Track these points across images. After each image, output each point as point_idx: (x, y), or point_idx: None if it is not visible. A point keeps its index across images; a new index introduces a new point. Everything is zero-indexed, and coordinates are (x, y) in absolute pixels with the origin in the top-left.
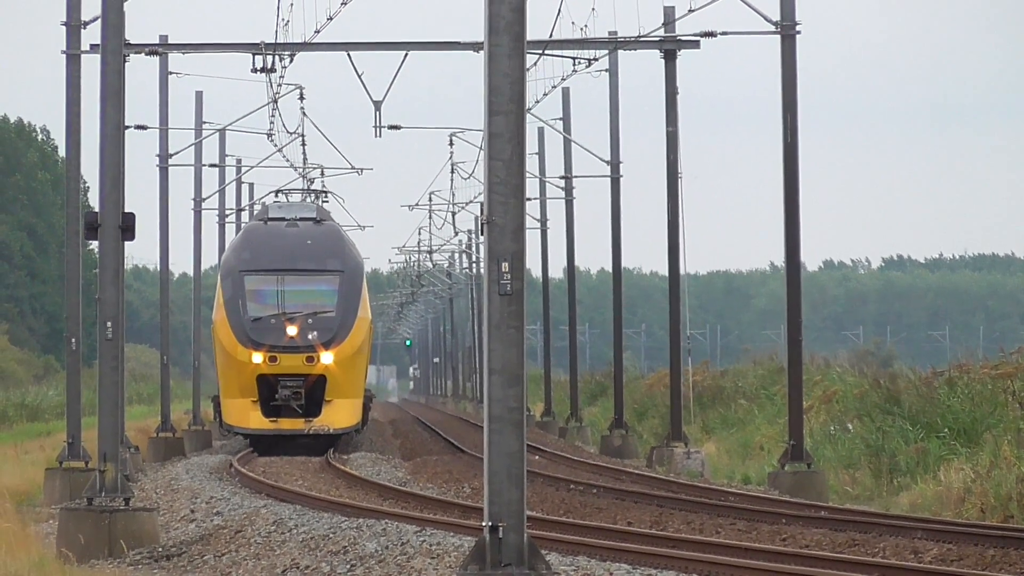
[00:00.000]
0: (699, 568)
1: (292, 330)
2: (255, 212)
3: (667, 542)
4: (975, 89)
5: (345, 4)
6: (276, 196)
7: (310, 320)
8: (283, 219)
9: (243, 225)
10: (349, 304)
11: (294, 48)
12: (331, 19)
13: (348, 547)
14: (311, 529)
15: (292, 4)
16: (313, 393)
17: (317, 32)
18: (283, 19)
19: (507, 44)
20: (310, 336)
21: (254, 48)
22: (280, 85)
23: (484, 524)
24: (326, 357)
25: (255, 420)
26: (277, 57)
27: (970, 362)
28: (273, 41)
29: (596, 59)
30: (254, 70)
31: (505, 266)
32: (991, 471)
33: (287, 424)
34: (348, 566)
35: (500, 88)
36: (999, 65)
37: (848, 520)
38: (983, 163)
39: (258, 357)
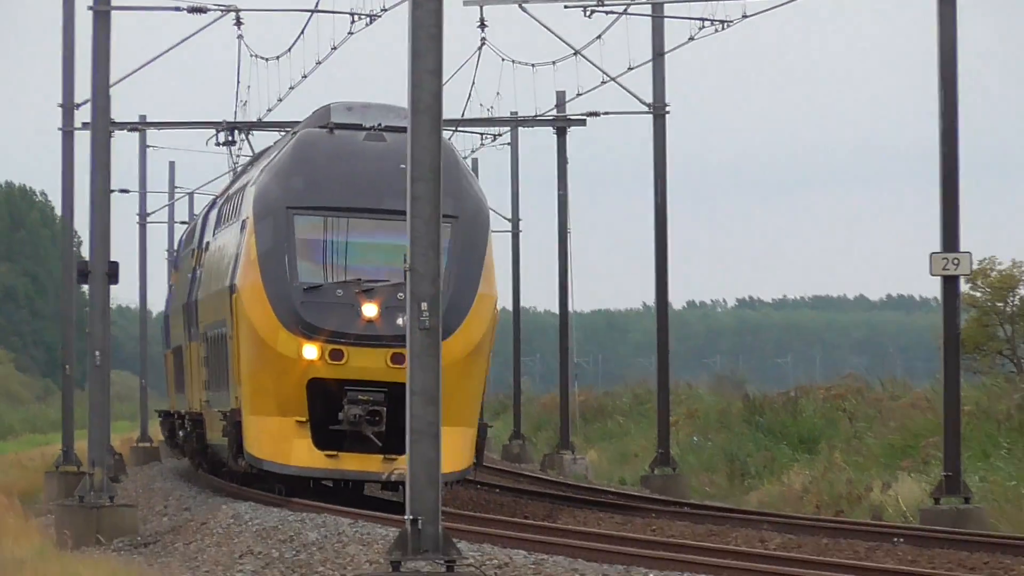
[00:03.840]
0: (584, 554)
1: (370, 309)
2: (307, 118)
3: (558, 532)
4: (814, 161)
5: (292, 89)
6: None
7: (401, 295)
8: (359, 126)
9: (289, 136)
10: (466, 271)
11: (249, 127)
12: (280, 101)
13: (294, 536)
14: (263, 522)
15: (248, 88)
16: (400, 415)
17: (269, 111)
18: (242, 101)
19: (427, 123)
20: (400, 321)
21: (217, 126)
22: (239, 156)
23: (407, 518)
24: None
25: (301, 454)
26: (237, 132)
27: (809, 385)
28: (233, 120)
29: (500, 134)
30: (218, 144)
31: (424, 306)
32: (826, 474)
33: (354, 463)
34: (294, 551)
35: (421, 159)
36: (831, 141)
37: (706, 514)
38: (822, 220)
39: (312, 351)
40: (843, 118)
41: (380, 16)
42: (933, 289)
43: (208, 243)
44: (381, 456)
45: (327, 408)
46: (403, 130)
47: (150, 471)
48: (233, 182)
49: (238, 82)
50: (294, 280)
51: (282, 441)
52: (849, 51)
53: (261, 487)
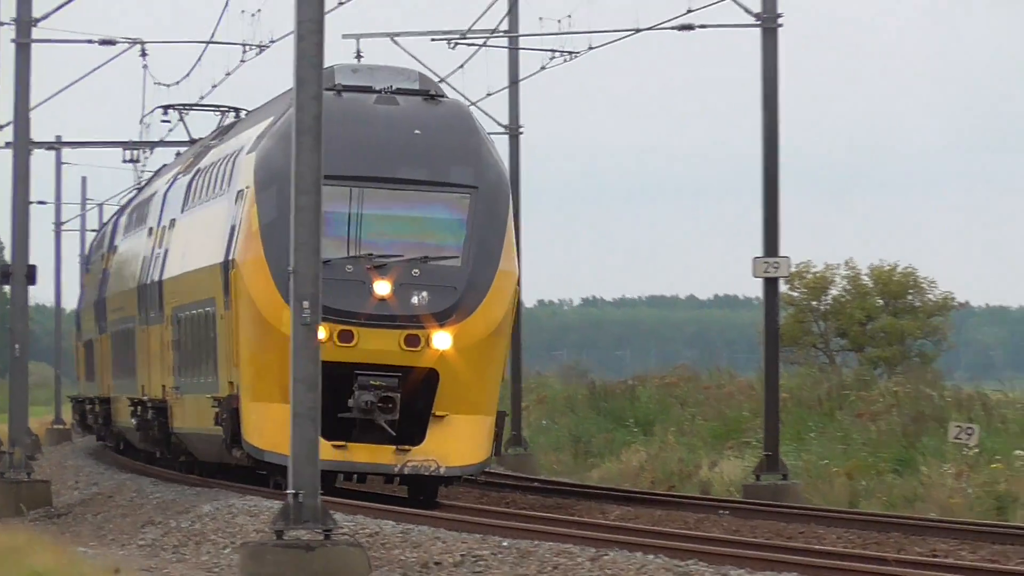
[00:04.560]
0: (446, 524)
1: (383, 287)
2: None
3: (421, 505)
4: (651, 173)
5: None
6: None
7: (416, 272)
8: (369, 89)
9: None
10: (485, 246)
11: (151, 145)
12: (181, 120)
13: (190, 508)
14: (163, 495)
15: (152, 111)
16: (414, 402)
17: (170, 131)
18: (145, 124)
19: (309, 142)
20: (415, 300)
21: (124, 144)
22: (143, 171)
23: (289, 492)
24: (441, 339)
25: None
26: (140, 151)
27: (646, 374)
28: (138, 140)
29: None
30: (124, 160)
31: (306, 304)
32: (660, 453)
33: (363, 454)
34: (190, 522)
35: (304, 175)
36: (667, 156)
37: (554, 489)
38: (658, 227)
39: (319, 332)
40: (679, 136)
41: (268, 47)
42: (756, 289)
43: (117, 247)
44: (393, 447)
45: (335, 394)
46: (418, 93)
47: (63, 450)
48: (143, 188)
49: (143, 105)
50: None
51: (286, 430)
52: (686, 81)
53: (242, 479)
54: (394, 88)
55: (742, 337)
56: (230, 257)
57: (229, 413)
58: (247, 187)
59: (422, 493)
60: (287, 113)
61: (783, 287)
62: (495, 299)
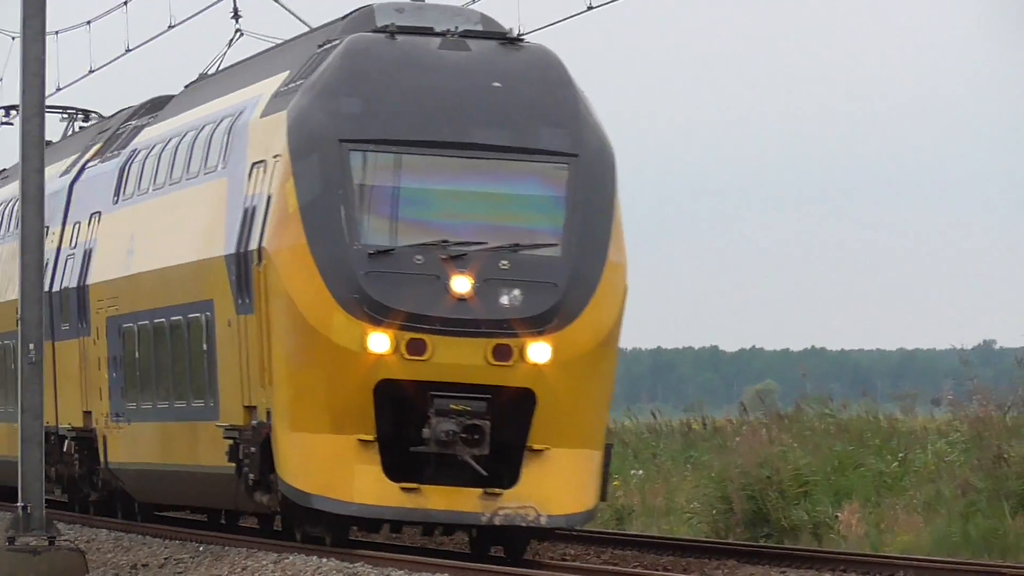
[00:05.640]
0: (147, 532)
1: (462, 284)
2: (333, 24)
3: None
4: None
5: None
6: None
7: (505, 264)
8: (430, 31)
9: (326, 45)
10: (590, 231)
11: None
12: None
13: None
14: None
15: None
16: (503, 432)
17: None
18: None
19: (33, 210)
20: (504, 300)
21: None
22: None
23: (19, 504)
24: (539, 351)
25: (368, 486)
26: None
27: None
28: None
29: None
30: None
31: (31, 346)
32: None
33: (441, 499)
34: None
35: (28, 236)
36: None
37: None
38: None
39: (382, 341)
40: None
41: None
42: None
43: None
44: (480, 490)
45: (403, 422)
46: (492, 36)
47: None
48: None
49: None
50: (354, 241)
51: (340, 468)
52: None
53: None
54: (461, 30)
55: None
56: (249, 247)
57: (257, 447)
58: (279, 155)
59: (509, 546)
60: (323, 64)
61: None
62: (604, 299)
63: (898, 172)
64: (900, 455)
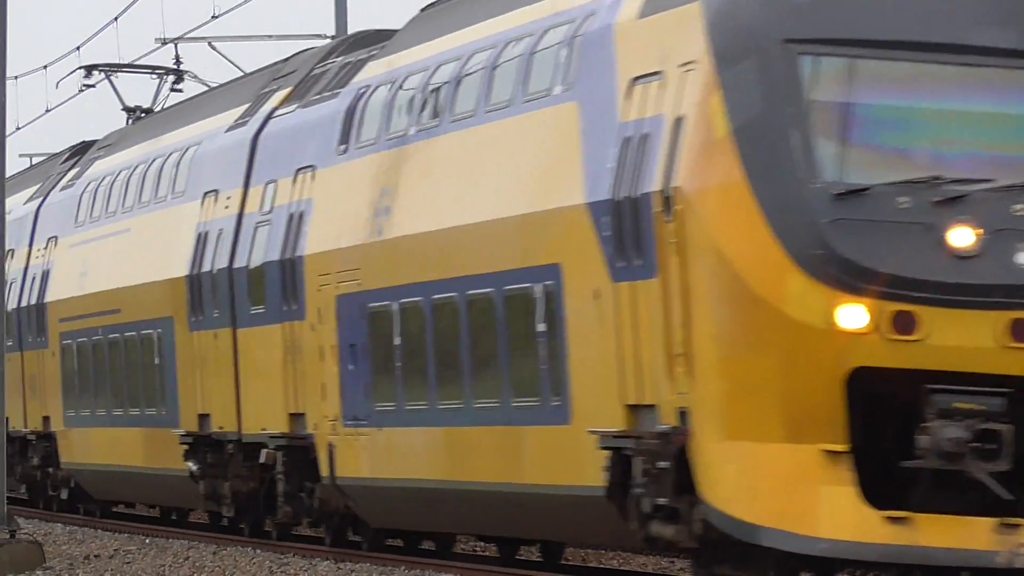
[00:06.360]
0: (99, 525)
1: (964, 236)
2: None
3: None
4: None
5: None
6: None
7: (1019, 208)
8: None
9: None
10: None
11: None
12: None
13: None
14: None
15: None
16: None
17: None
18: None
19: None
20: (1022, 258)
21: None
22: None
23: None
24: None
25: (842, 515)
26: None
27: None
28: None
29: None
30: None
31: None
32: None
33: (940, 532)
34: None
35: None
36: None
37: None
38: None
39: (856, 315)
40: None
41: None
42: None
43: None
44: (994, 520)
45: (886, 426)
46: None
47: None
48: None
49: None
50: (813, 177)
51: (799, 490)
52: None
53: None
54: None
55: None
56: (639, 190)
57: (671, 461)
58: (682, 66)
59: None
60: None
61: None
62: None
63: None
64: None
